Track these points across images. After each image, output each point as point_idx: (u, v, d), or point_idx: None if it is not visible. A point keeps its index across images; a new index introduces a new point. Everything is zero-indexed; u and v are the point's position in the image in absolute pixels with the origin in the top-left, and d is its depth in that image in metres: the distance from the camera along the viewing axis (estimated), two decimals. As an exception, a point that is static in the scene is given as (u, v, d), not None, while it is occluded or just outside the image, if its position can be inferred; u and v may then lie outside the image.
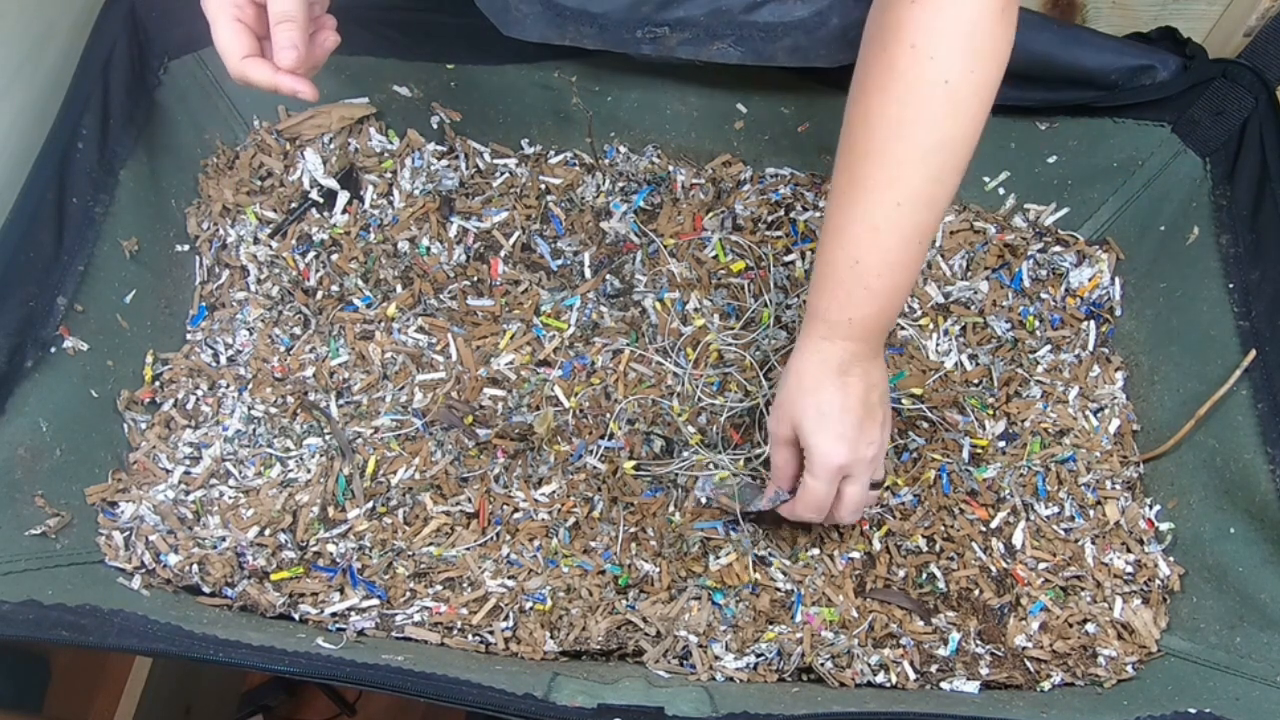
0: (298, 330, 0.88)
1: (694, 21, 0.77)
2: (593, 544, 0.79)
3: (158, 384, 0.84)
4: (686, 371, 0.86)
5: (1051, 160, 0.92)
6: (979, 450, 0.84)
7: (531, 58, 0.90)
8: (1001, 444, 0.85)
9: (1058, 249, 0.94)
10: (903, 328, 0.90)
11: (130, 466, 0.81)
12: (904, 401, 0.85)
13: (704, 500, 0.79)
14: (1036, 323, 0.91)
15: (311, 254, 0.91)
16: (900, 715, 0.66)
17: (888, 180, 0.63)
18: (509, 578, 0.77)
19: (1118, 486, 0.84)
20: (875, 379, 0.69)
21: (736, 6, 0.76)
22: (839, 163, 0.66)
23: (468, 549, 0.78)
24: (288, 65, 0.59)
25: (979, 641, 0.77)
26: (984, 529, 0.81)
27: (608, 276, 0.91)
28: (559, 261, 0.92)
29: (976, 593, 0.79)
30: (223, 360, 0.87)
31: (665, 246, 0.92)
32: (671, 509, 0.80)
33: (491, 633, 0.75)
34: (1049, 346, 0.90)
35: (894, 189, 0.63)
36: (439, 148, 0.96)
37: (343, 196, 0.93)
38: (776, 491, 0.74)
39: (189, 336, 0.88)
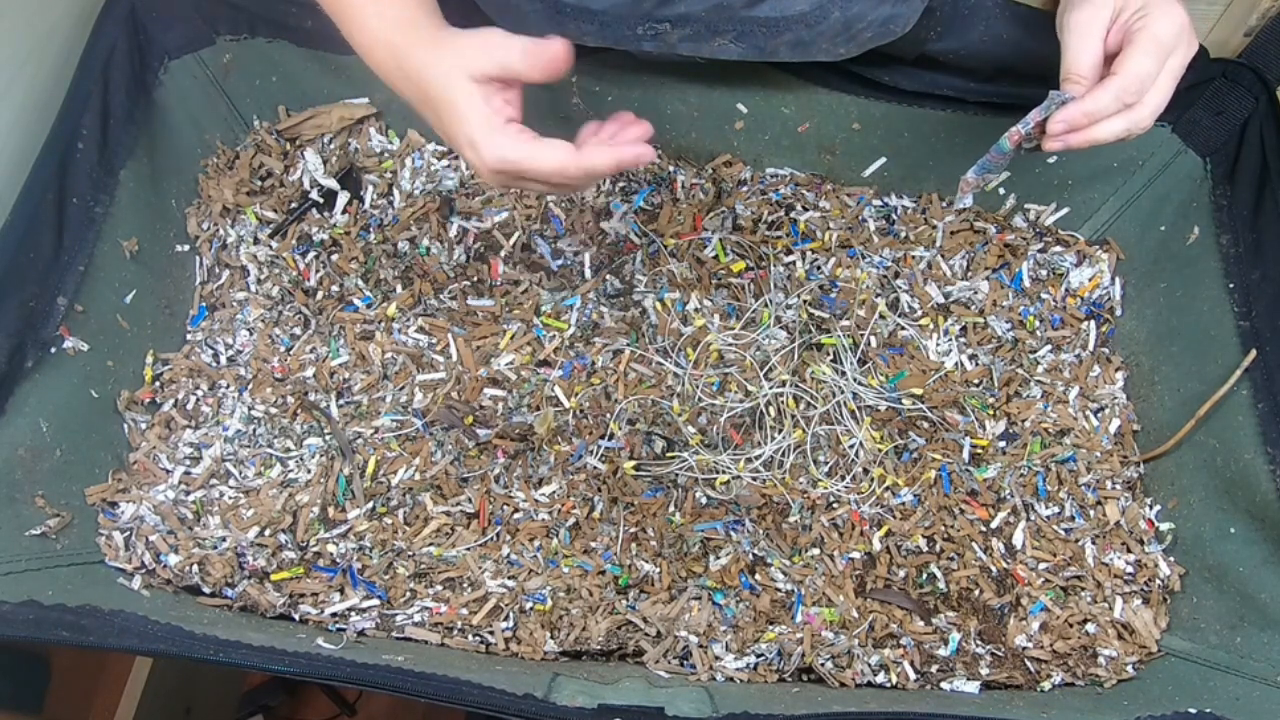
0: (298, 330, 0.88)
1: (695, 17, 0.77)
2: (593, 544, 0.79)
3: (158, 384, 0.84)
4: (686, 371, 0.85)
5: (1051, 160, 0.92)
6: (979, 450, 0.84)
7: (531, 57, 0.90)
8: (1002, 444, 0.85)
9: (1058, 249, 0.94)
10: (903, 328, 0.90)
11: (130, 467, 0.81)
12: (904, 401, 0.85)
13: (971, 179, 0.73)
14: (1037, 323, 0.91)
15: (311, 254, 0.91)
16: (900, 715, 0.66)
17: None
18: (509, 578, 0.77)
19: (1118, 486, 0.84)
20: None
21: (738, 2, 0.75)
22: None
23: (468, 549, 0.78)
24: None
25: (979, 641, 0.77)
26: (984, 529, 0.81)
27: (608, 276, 0.91)
28: (559, 261, 0.92)
29: (977, 593, 0.79)
30: (223, 360, 0.87)
31: (665, 246, 0.91)
32: (671, 509, 0.80)
33: (492, 633, 0.75)
34: (1049, 346, 0.90)
35: None
36: (439, 148, 0.96)
37: (343, 196, 0.93)
38: (1062, 91, 0.67)
39: (189, 337, 0.88)
